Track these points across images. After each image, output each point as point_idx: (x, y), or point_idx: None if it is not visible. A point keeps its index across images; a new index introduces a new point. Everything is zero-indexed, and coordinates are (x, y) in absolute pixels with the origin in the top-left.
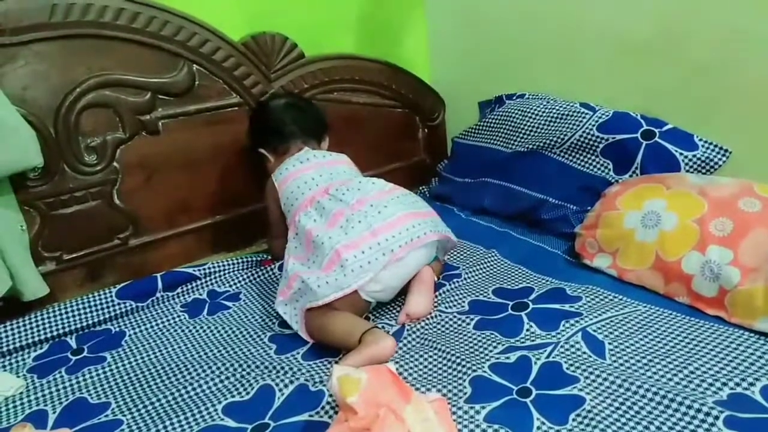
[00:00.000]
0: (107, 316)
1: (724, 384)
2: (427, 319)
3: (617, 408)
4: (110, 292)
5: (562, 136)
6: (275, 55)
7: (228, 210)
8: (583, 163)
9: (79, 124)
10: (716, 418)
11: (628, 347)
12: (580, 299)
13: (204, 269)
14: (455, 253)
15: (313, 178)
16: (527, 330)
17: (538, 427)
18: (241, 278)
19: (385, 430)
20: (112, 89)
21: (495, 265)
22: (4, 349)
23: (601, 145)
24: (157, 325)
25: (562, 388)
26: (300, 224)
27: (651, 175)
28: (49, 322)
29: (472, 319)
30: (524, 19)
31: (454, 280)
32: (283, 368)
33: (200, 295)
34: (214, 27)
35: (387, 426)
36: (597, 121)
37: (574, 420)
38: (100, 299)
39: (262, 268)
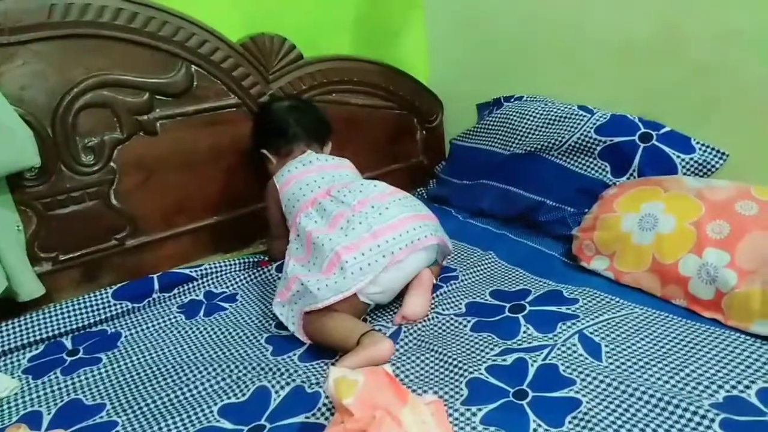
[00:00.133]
0: (103, 317)
1: (720, 387)
2: (424, 320)
3: (613, 410)
4: (106, 292)
5: (559, 139)
6: (274, 56)
7: (225, 211)
8: (580, 166)
9: (77, 125)
10: (712, 420)
11: (624, 349)
12: (577, 301)
13: (201, 270)
14: (452, 254)
15: (315, 181)
16: (524, 332)
17: (535, 430)
18: (238, 279)
19: None
20: (109, 89)
21: (492, 267)
22: None
23: (598, 148)
24: (153, 326)
25: (559, 390)
26: (301, 226)
27: (648, 177)
28: (45, 323)
29: (469, 321)
30: (522, 22)
31: (451, 281)
32: (279, 370)
33: (197, 296)
34: (212, 28)
35: (383, 428)
36: (595, 124)
37: (570, 422)
38: (96, 300)
39: (259, 269)
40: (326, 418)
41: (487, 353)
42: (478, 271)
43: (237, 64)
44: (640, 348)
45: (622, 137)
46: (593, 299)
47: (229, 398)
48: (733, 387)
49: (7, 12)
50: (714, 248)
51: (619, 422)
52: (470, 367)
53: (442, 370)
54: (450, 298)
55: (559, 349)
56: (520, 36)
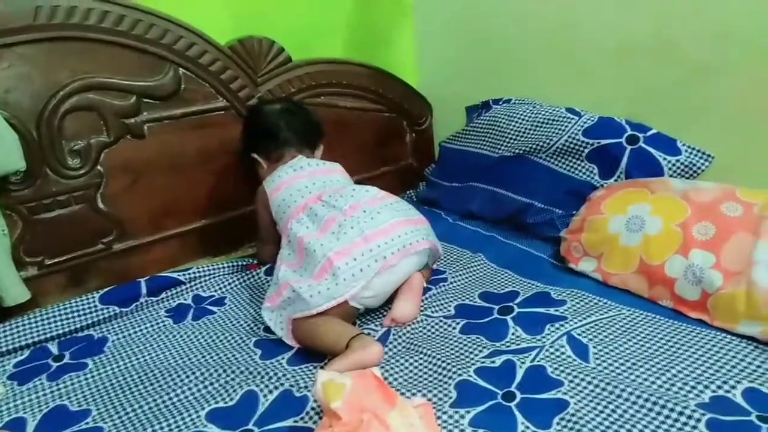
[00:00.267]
0: (90, 321)
1: (707, 387)
2: (413, 323)
3: (601, 411)
4: (93, 297)
5: (548, 141)
6: (262, 58)
7: (214, 214)
8: (568, 168)
9: (63, 128)
10: (698, 420)
11: (612, 351)
12: (565, 303)
13: (189, 274)
14: (442, 257)
15: (306, 186)
16: (512, 334)
17: (523, 431)
18: (226, 283)
19: None
20: (96, 92)
21: (481, 269)
22: None
23: (586, 150)
24: (141, 330)
25: (547, 391)
26: (292, 231)
27: (635, 179)
28: (30, 328)
29: (458, 323)
30: (511, 26)
31: (441, 284)
32: (267, 374)
33: (185, 300)
34: (200, 30)
35: (371, 431)
36: (582, 126)
37: (558, 424)
38: (83, 305)
39: (248, 272)
40: (314, 422)
41: (476, 355)
42: (467, 273)
43: (225, 66)
44: (627, 349)
45: (610, 139)
46: (581, 301)
47: (216, 403)
48: (719, 387)
49: None
50: (700, 249)
51: (606, 423)
52: (459, 369)
53: (430, 372)
54: (439, 300)
55: (547, 350)
56: (508, 39)
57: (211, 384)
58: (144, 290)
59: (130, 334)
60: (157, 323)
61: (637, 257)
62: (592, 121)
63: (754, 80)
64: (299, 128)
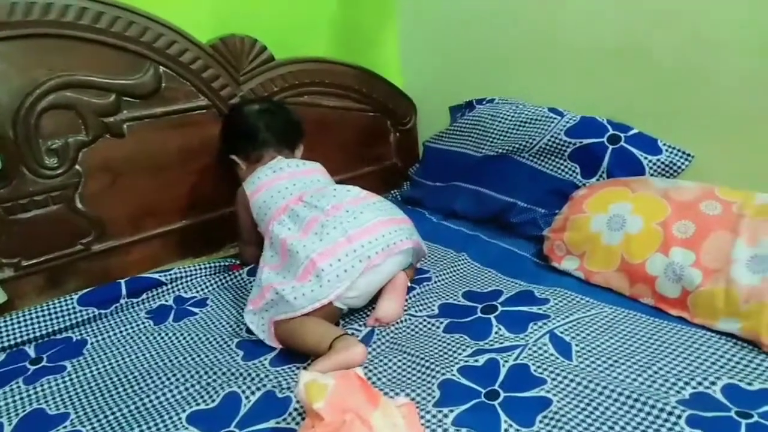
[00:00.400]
0: (68, 324)
1: (687, 383)
2: (397, 323)
3: (583, 409)
4: (71, 299)
5: (530, 140)
6: (244, 57)
7: (195, 214)
8: (551, 167)
9: (40, 126)
10: (679, 417)
11: (594, 348)
12: (548, 301)
13: (170, 275)
14: (426, 256)
15: (287, 188)
16: (496, 333)
17: (506, 430)
18: (208, 284)
19: None
20: (74, 90)
21: (465, 269)
22: None
23: (568, 149)
24: (121, 332)
25: (530, 390)
26: (274, 233)
27: (617, 178)
28: (7, 331)
29: (441, 323)
30: (495, 26)
31: (425, 283)
32: (249, 375)
33: (166, 301)
34: (181, 28)
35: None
36: (565, 126)
37: (540, 422)
38: (61, 306)
39: (230, 273)
40: (297, 423)
41: (460, 354)
42: (451, 272)
43: (207, 65)
44: (609, 347)
45: (592, 139)
46: (564, 299)
47: (198, 405)
48: (699, 383)
49: None
50: (680, 248)
51: (588, 420)
52: (442, 368)
53: (414, 372)
54: (423, 299)
55: (530, 349)
56: (492, 40)
57: (193, 386)
58: (124, 291)
59: (109, 336)
60: (138, 325)
61: (618, 256)
62: (575, 120)
63: (731, 82)
64: (278, 129)
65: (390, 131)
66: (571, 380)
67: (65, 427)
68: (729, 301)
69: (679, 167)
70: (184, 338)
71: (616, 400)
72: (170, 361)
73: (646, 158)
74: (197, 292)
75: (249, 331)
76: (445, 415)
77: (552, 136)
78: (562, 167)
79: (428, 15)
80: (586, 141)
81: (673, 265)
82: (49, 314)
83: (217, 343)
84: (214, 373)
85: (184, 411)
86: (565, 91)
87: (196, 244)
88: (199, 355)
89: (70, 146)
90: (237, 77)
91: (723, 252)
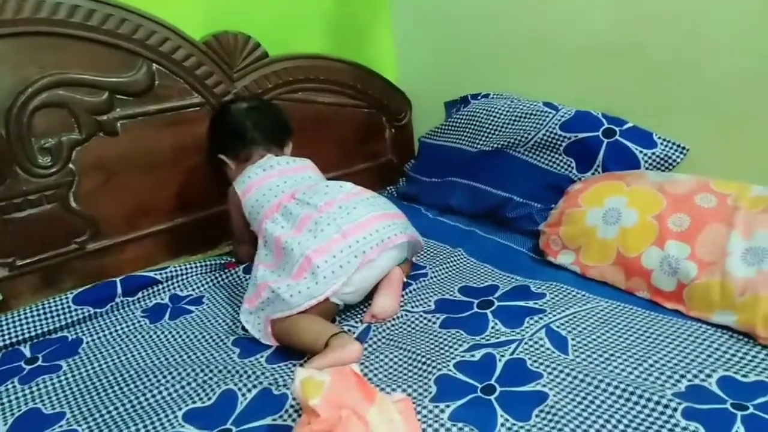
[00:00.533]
0: (63, 323)
1: (683, 376)
2: (394, 318)
3: (579, 402)
4: (66, 298)
5: (526, 135)
6: (238, 54)
7: (190, 212)
8: (546, 162)
9: (32, 125)
10: (675, 410)
11: (590, 342)
12: (544, 296)
13: (166, 273)
14: (422, 252)
15: (278, 185)
16: (492, 327)
17: (502, 424)
18: (204, 282)
19: None
20: (66, 89)
21: (461, 264)
22: None
23: (564, 144)
24: (116, 331)
25: (526, 384)
26: (268, 232)
27: (612, 172)
28: (2, 331)
29: (438, 318)
30: (490, 21)
31: (421, 279)
32: (246, 372)
33: (162, 299)
34: (173, 25)
35: (349, 428)
36: (560, 120)
37: (537, 416)
38: (56, 306)
39: (226, 270)
40: (293, 420)
41: (456, 350)
42: (447, 268)
43: (200, 62)
44: (605, 340)
45: (587, 133)
46: (560, 293)
47: (194, 402)
48: (695, 376)
49: None
50: (675, 241)
51: (584, 414)
52: (439, 364)
53: (410, 367)
54: (419, 295)
55: (526, 343)
56: (487, 35)
57: (189, 384)
58: (119, 290)
59: (105, 335)
60: (134, 323)
61: (614, 249)
62: (569, 114)
63: (725, 75)
64: (266, 127)
65: (385, 127)
66: (568, 374)
67: (61, 426)
68: (724, 294)
69: (674, 160)
70: (180, 336)
71: (612, 394)
72: (166, 359)
73: (641, 152)
74: (193, 290)
75: (245, 328)
76: (442, 411)
77: (547, 131)
78: (558, 162)
79: (422, 11)
80: (581, 135)
81: (669, 259)
82: (45, 313)
83: (213, 341)
84: (210, 371)
85: (180, 409)
86: (560, 86)
87: (191, 243)
88: (195, 353)
89: (63, 145)
90: (231, 74)
91: (718, 245)
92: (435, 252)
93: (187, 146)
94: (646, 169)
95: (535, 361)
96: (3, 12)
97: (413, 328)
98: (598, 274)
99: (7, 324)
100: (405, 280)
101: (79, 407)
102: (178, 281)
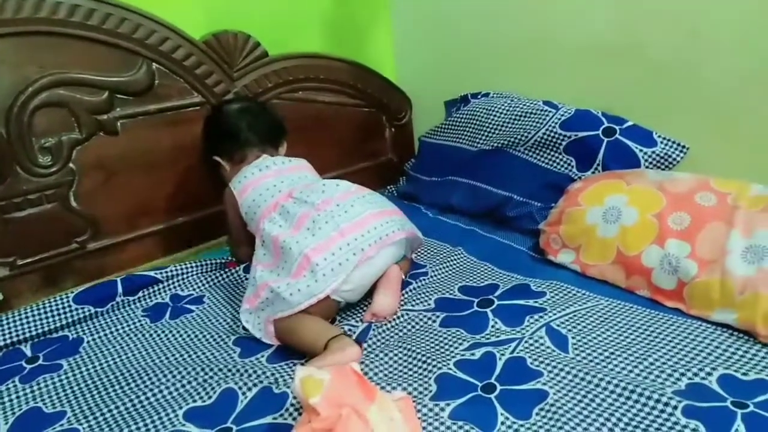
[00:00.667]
0: (64, 322)
1: (683, 374)
2: (394, 317)
3: (579, 401)
4: (67, 297)
5: (526, 134)
6: (238, 53)
7: (191, 211)
8: (546, 161)
9: (33, 124)
10: (675, 408)
11: (590, 341)
12: (544, 294)
13: (166, 272)
14: (422, 251)
15: (275, 185)
16: (492, 326)
17: (503, 422)
18: (204, 281)
19: (347, 431)
20: (66, 88)
21: (461, 263)
22: None
23: (564, 143)
24: (117, 330)
25: (526, 382)
26: (266, 232)
27: (612, 171)
28: (2, 331)
29: (438, 317)
30: (489, 20)
31: (421, 278)
32: (247, 371)
33: (162, 299)
34: (173, 25)
35: (349, 426)
36: (560, 119)
37: (537, 414)
38: (57, 305)
39: (227, 270)
40: (294, 419)
41: (456, 348)
42: (447, 266)
43: (200, 62)
44: (605, 339)
45: (587, 132)
46: (560, 292)
47: (194, 401)
48: (695, 374)
49: None
50: (675, 239)
51: (585, 412)
52: (439, 362)
53: (411, 366)
54: (419, 294)
55: (526, 342)
56: (487, 34)
57: (189, 383)
58: (120, 289)
59: (106, 334)
60: (134, 323)
61: (614, 248)
62: (569, 113)
63: (726, 75)
64: (260, 127)
65: (385, 126)
66: (568, 372)
67: (62, 425)
68: (724, 292)
69: (674, 159)
70: (181, 336)
71: (612, 392)
72: (167, 358)
73: (641, 150)
74: (194, 289)
75: (246, 328)
76: (442, 409)
77: (547, 130)
78: (558, 160)
79: (422, 10)
80: (581, 134)
81: (669, 257)
82: (45, 313)
83: (214, 340)
84: (211, 369)
85: (180, 408)
86: (560, 86)
87: (191, 242)
88: (195, 353)
89: (63, 144)
90: (231, 73)
91: (718, 243)
92: (435, 251)
93: (187, 145)
94: (646, 167)
95: (535, 360)
96: (3, 11)
97: (413, 327)
98: (598, 273)
99: (8, 323)
100: (404, 278)
101: (79, 406)
102: (178, 281)
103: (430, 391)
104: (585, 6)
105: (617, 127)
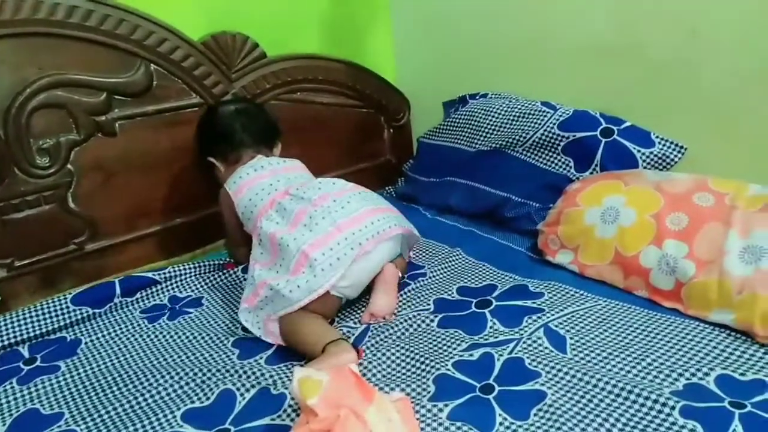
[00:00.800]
0: (62, 323)
1: (680, 375)
2: (392, 318)
3: (577, 401)
4: (65, 298)
5: (524, 135)
6: (236, 54)
7: (189, 212)
8: (544, 161)
9: (31, 126)
10: (672, 408)
11: (588, 341)
12: (542, 295)
13: (164, 274)
14: (420, 251)
15: (271, 184)
16: (491, 327)
17: (501, 423)
18: (203, 282)
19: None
20: (65, 89)
21: (459, 264)
22: None
23: (562, 143)
24: (115, 331)
25: (525, 383)
26: (263, 230)
27: (610, 171)
28: (0, 332)
29: (436, 318)
30: (488, 21)
31: (419, 278)
32: (245, 372)
33: (161, 300)
34: (171, 26)
35: (348, 427)
36: (558, 120)
37: (535, 415)
38: (55, 306)
39: (225, 271)
40: (292, 420)
41: (454, 349)
42: (445, 267)
43: (198, 62)
44: (603, 339)
45: (585, 132)
46: (558, 293)
47: (192, 402)
48: (693, 375)
49: None
50: (673, 239)
51: (583, 413)
52: (437, 363)
53: (409, 367)
54: (418, 295)
55: (524, 342)
56: (485, 34)
57: (187, 384)
58: (118, 290)
59: (104, 336)
60: (132, 324)
61: (612, 248)
62: (568, 114)
63: (725, 75)
64: (255, 128)
65: (384, 127)
66: (566, 373)
67: (59, 426)
68: (722, 293)
69: (672, 160)
70: (179, 337)
71: (610, 392)
72: (165, 359)
73: (639, 151)
74: (192, 291)
75: (245, 329)
76: (440, 410)
77: (545, 130)
78: (556, 161)
79: (421, 11)
80: (579, 134)
81: (667, 257)
82: (43, 314)
83: (213, 341)
84: (209, 370)
85: (179, 409)
86: (559, 86)
87: (189, 243)
88: (194, 354)
89: (61, 145)
90: (229, 74)
91: (716, 243)
92: (433, 252)
93: (185, 146)
94: (644, 168)
95: (533, 360)
96: (1, 12)
97: (411, 328)
98: (597, 273)
99: (6, 325)
100: (401, 277)
101: (77, 408)
102: (177, 282)
103: (429, 392)
104: (584, 6)
105: (615, 128)
